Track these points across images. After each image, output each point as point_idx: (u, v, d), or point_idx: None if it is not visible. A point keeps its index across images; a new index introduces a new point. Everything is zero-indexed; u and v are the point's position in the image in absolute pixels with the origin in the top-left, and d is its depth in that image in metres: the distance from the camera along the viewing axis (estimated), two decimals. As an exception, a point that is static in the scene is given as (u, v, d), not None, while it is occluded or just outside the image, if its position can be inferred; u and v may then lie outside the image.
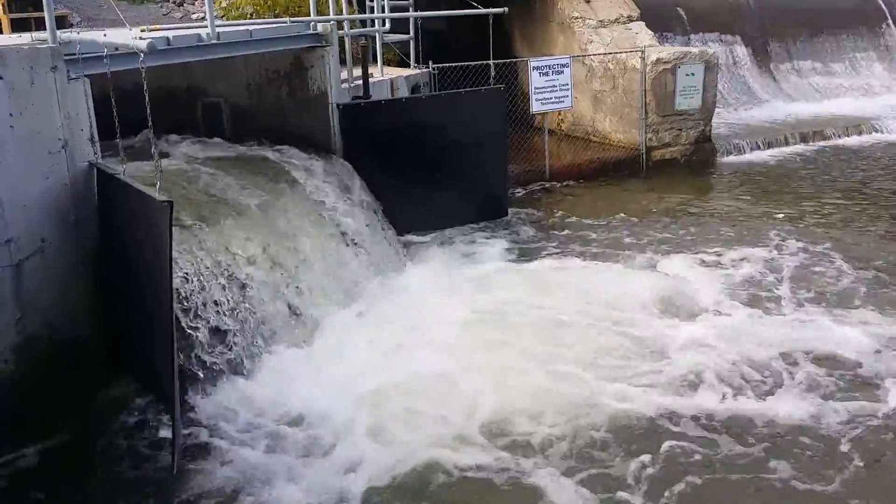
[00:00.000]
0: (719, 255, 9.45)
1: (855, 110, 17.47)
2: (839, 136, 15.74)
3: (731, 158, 14.50)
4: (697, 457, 5.55)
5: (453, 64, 12.30)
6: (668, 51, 14.02)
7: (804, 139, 15.46)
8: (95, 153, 6.23)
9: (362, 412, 5.97)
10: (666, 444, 5.67)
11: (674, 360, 6.85)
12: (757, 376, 6.57)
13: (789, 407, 6.09)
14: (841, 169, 13.59)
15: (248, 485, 5.31)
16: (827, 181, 12.78)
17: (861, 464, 5.45)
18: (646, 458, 5.52)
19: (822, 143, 15.41)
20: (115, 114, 5.80)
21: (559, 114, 14.89)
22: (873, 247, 9.57)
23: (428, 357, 6.78)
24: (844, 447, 5.63)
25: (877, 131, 16.07)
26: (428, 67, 12.43)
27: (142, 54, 5.89)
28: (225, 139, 9.62)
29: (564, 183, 13.03)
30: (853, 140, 15.66)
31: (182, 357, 5.93)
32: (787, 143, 15.25)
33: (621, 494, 5.17)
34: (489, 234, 10.50)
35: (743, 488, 5.26)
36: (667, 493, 5.17)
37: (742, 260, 9.23)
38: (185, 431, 5.77)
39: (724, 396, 6.30)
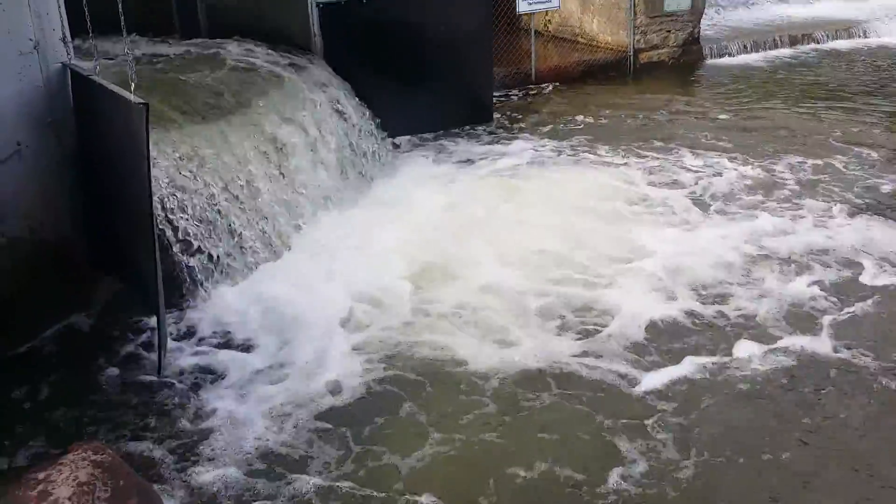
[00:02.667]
0: (698, 160, 9.46)
1: (846, 13, 17.16)
2: (828, 39, 15.52)
3: (719, 61, 14.33)
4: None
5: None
6: (658, -52, 13.64)
7: (793, 42, 15.26)
8: (69, 54, 6.09)
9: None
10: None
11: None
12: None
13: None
14: (826, 72, 13.48)
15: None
16: (813, 84, 12.70)
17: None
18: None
19: (812, 46, 15.22)
20: (86, 12, 5.65)
21: (546, 14, 14.58)
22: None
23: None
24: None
25: (866, 35, 15.86)
26: (411, -36, 12.05)
27: (112, -51, 5.68)
28: (201, 37, 9.41)
29: (551, 86, 12.88)
30: (842, 43, 15.45)
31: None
32: (775, 46, 15.04)
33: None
34: (472, 138, 10.44)
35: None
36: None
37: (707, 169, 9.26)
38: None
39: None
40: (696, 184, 8.71)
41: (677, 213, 8.03)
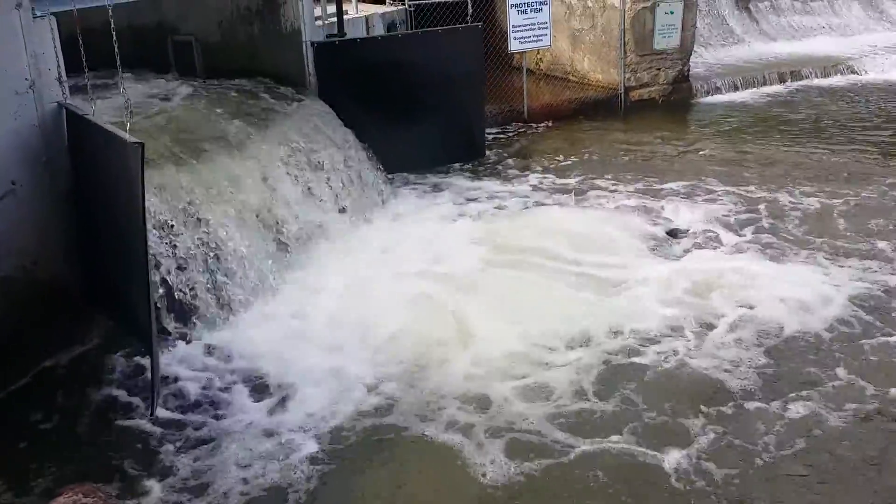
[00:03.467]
0: (715, 196, 9.45)
1: (833, 50, 17.45)
2: (816, 77, 15.73)
3: (709, 98, 14.49)
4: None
5: (430, 1, 12.10)
6: (647, -12, 13.85)
7: (781, 79, 15.45)
8: (64, 93, 6.12)
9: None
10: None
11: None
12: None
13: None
14: (819, 108, 13.61)
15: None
16: (807, 121, 12.82)
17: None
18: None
19: (800, 83, 15.41)
20: (82, 53, 5.68)
21: (538, 53, 14.73)
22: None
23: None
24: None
25: (853, 72, 16.08)
26: (404, 4, 12.21)
27: (109, -10, 5.74)
28: (197, 77, 9.46)
29: (542, 123, 12.97)
30: (830, 80, 15.65)
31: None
32: (764, 84, 15.22)
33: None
34: (464, 175, 10.47)
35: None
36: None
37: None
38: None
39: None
40: (724, 221, 8.63)
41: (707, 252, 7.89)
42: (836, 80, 15.65)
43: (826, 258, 7.63)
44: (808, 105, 13.89)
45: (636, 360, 6.01)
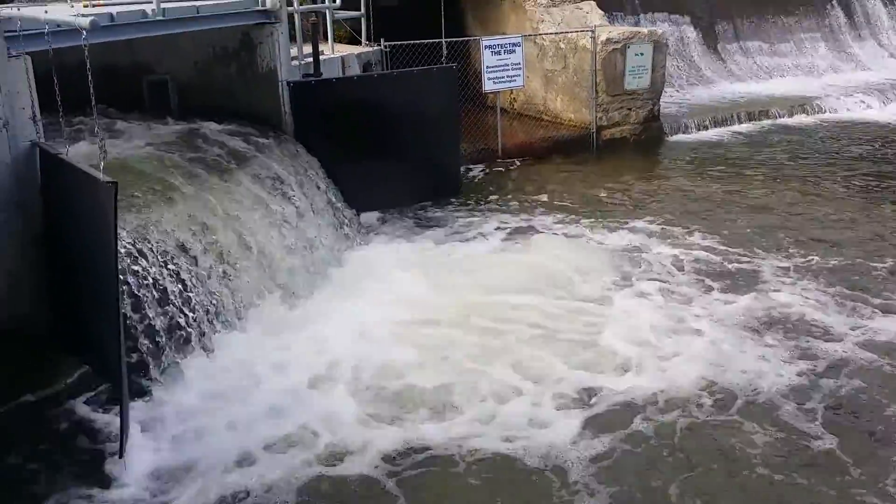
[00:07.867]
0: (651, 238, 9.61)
1: (799, 90, 17.88)
2: (784, 116, 16.09)
3: (679, 137, 14.75)
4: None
5: (405, 42, 12.25)
6: (617, 30, 14.15)
7: (750, 118, 15.78)
8: (38, 133, 6.10)
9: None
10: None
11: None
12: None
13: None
14: (790, 147, 13.87)
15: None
16: (781, 159, 13.06)
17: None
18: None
19: (768, 122, 15.74)
20: (57, 92, 5.68)
21: (511, 93, 14.95)
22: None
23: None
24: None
25: (820, 111, 16.48)
26: (379, 45, 12.35)
27: (84, 31, 5.75)
28: (172, 118, 9.46)
29: (516, 161, 13.12)
30: (798, 119, 16.03)
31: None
32: (733, 123, 15.54)
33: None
34: (440, 212, 10.55)
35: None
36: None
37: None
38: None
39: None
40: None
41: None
42: (803, 119, 16.03)
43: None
44: (781, 144, 14.13)
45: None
